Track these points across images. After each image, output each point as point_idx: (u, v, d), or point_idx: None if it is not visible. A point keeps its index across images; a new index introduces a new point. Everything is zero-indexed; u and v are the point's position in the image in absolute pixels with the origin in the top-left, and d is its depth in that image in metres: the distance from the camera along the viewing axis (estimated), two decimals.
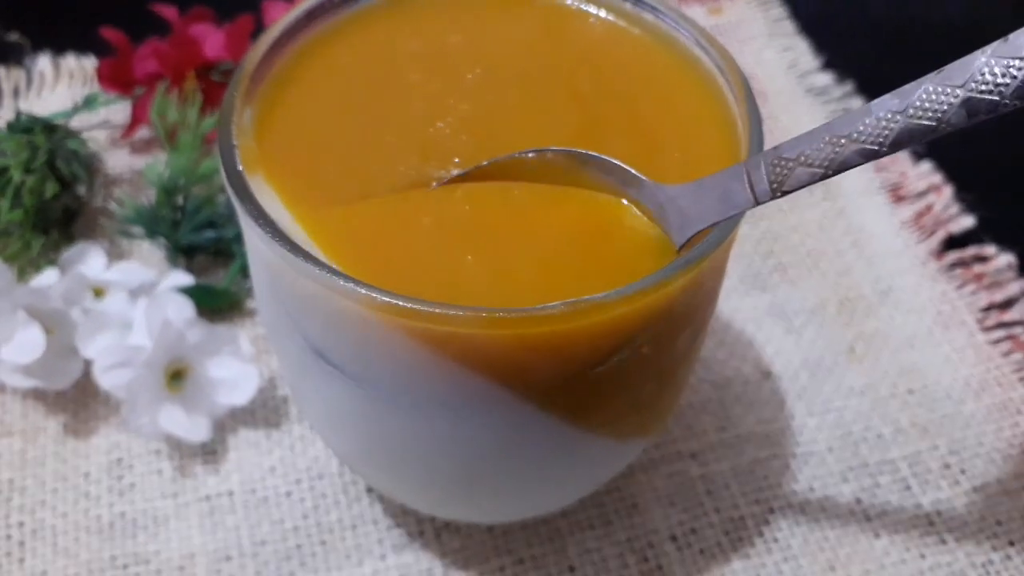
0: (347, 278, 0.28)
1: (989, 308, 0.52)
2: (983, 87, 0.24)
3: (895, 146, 0.26)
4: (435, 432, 0.32)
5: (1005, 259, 0.53)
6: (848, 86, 0.62)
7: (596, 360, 0.30)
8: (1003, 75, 0.24)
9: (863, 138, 0.26)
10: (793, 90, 0.63)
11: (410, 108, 0.35)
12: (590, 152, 0.32)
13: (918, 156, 0.59)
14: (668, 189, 0.31)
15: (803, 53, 0.65)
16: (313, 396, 0.36)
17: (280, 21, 0.35)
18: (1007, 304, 0.52)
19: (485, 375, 0.30)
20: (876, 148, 0.26)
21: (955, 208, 0.56)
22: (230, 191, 0.30)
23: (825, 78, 0.63)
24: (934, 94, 0.25)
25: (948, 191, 0.57)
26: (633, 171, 0.32)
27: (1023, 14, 0.69)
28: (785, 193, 0.28)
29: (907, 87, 0.25)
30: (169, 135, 0.51)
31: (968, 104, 0.24)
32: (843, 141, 0.26)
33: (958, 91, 0.24)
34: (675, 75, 0.36)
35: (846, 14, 0.70)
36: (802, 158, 0.27)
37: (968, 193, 0.57)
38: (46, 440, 0.46)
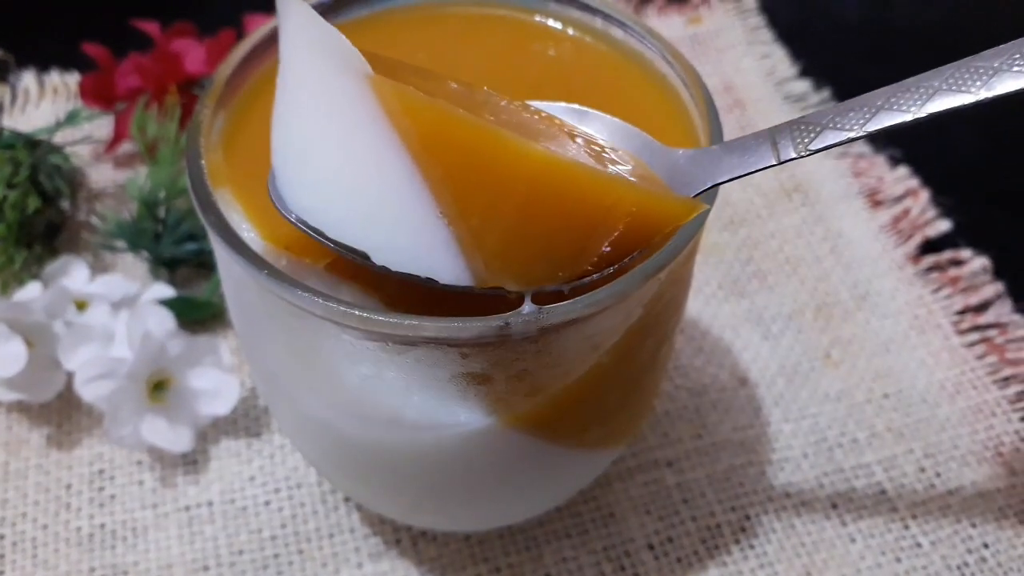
0: (307, 289, 0.28)
1: (964, 311, 0.53)
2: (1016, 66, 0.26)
3: (923, 111, 0.27)
4: (400, 444, 0.33)
5: (980, 262, 0.54)
6: (825, 93, 0.63)
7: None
8: None
9: (897, 105, 0.28)
10: (771, 97, 0.63)
11: None
12: (594, 110, 0.32)
13: (895, 161, 0.59)
14: (680, 152, 0.31)
15: (780, 61, 0.65)
16: (285, 407, 0.37)
17: (251, 36, 0.35)
18: (982, 307, 0.53)
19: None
20: (905, 111, 0.27)
21: (931, 212, 0.57)
22: (196, 204, 0.31)
23: (802, 85, 0.64)
24: (969, 70, 0.27)
25: (924, 196, 0.57)
26: (640, 131, 0.32)
27: (999, 22, 0.70)
28: (811, 152, 0.29)
29: (938, 69, 0.28)
30: (149, 149, 0.52)
31: (1001, 78, 0.26)
32: (875, 108, 0.28)
33: (992, 68, 0.27)
34: (642, 91, 0.37)
35: (822, 22, 0.70)
36: (831, 123, 0.28)
37: (944, 198, 0.57)
38: (29, 452, 0.47)
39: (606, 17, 0.38)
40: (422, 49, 0.37)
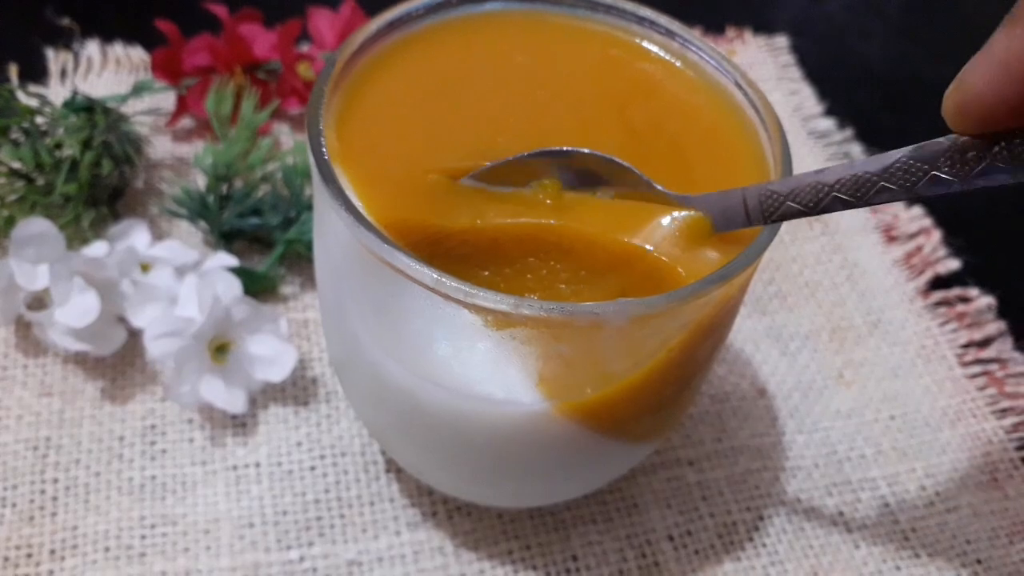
0: (422, 262, 0.31)
1: (968, 345, 0.56)
2: (949, 170, 0.29)
3: (866, 202, 0.31)
4: (478, 417, 0.35)
5: (986, 301, 0.58)
6: (847, 132, 0.67)
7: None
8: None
9: (843, 190, 0.31)
10: (797, 132, 0.67)
11: (474, 120, 0.38)
12: (623, 162, 0.35)
13: (910, 201, 0.63)
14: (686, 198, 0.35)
15: (807, 98, 0.69)
16: (360, 371, 0.39)
17: (366, 27, 0.38)
18: (985, 343, 0.57)
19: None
20: (852, 200, 0.31)
21: (943, 251, 0.60)
22: (317, 176, 0.33)
23: (827, 123, 0.67)
24: (906, 166, 0.30)
25: (937, 235, 0.61)
26: (655, 184, 0.35)
27: None
28: (774, 221, 0.33)
29: (886, 154, 0.31)
30: (223, 125, 0.54)
31: (933, 181, 0.29)
32: (826, 189, 0.32)
33: (926, 167, 0.29)
34: (714, 110, 0.40)
35: (849, 67, 0.74)
36: (792, 195, 0.33)
37: (955, 238, 0.61)
38: (84, 403, 0.49)
39: (683, 42, 0.41)
40: (521, 51, 0.40)
